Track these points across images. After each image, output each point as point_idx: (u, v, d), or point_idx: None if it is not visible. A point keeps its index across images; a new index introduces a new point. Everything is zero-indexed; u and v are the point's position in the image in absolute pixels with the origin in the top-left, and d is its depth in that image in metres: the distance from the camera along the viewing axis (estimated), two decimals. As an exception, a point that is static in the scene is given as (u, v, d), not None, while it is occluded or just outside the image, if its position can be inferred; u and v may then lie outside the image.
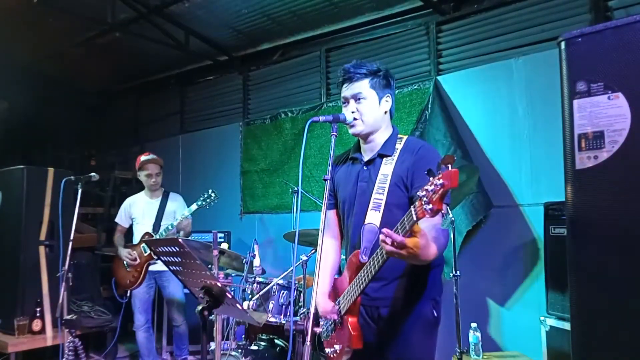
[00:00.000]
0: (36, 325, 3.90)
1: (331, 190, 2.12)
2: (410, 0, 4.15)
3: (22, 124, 5.99)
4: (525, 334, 3.40)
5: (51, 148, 6.65)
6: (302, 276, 3.32)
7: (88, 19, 4.68)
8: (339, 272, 2.15)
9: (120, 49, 5.37)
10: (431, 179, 1.33)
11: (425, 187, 1.34)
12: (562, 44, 1.80)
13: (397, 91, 4.15)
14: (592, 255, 1.71)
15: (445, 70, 4.07)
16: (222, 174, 5.54)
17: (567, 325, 2.60)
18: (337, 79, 2.00)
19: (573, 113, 1.76)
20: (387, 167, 1.90)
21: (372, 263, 1.69)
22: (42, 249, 4.04)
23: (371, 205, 1.89)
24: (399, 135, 2.00)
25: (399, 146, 1.94)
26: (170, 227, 3.97)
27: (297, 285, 3.34)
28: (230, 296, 1.84)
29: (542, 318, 2.90)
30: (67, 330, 3.17)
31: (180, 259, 1.89)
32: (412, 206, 1.43)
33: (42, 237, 4.05)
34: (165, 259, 1.96)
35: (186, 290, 3.87)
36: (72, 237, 3.33)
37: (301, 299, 3.35)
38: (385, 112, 1.98)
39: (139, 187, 4.47)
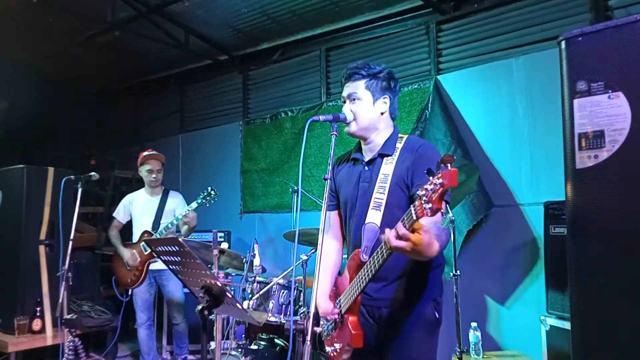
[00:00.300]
0: (36, 324, 3.90)
1: (332, 191, 2.12)
2: (410, 0, 4.15)
3: (22, 124, 5.99)
4: (525, 333, 3.40)
5: (51, 147, 6.64)
6: (302, 276, 3.32)
7: (88, 18, 4.67)
8: (340, 272, 2.15)
9: (120, 48, 5.37)
10: (430, 178, 1.33)
11: (425, 186, 1.34)
12: (563, 44, 1.80)
13: (397, 91, 4.16)
14: (592, 254, 1.71)
15: (446, 70, 4.07)
16: (222, 173, 5.53)
17: (567, 325, 2.60)
18: (341, 77, 2.01)
19: (573, 112, 1.75)
20: (387, 167, 1.90)
21: (372, 261, 1.69)
22: (42, 249, 4.03)
23: (372, 204, 1.89)
24: (400, 135, 2.00)
25: (399, 145, 1.95)
26: (170, 226, 3.97)
27: (297, 284, 3.34)
28: (230, 295, 1.84)
29: (542, 317, 2.90)
30: (67, 329, 3.17)
31: (180, 259, 1.89)
32: (411, 205, 1.43)
33: (42, 236, 4.05)
34: (165, 258, 1.96)
35: (186, 290, 3.87)
36: (72, 237, 3.33)
37: (301, 299, 3.35)
38: (382, 113, 1.97)
39: (139, 186, 4.47)
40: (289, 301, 3.15)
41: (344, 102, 1.97)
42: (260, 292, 3.18)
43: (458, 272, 3.12)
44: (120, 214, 4.25)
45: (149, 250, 3.91)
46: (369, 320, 1.94)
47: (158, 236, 3.95)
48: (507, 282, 3.60)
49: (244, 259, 3.25)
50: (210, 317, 1.87)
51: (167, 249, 1.89)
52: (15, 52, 5.28)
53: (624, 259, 1.64)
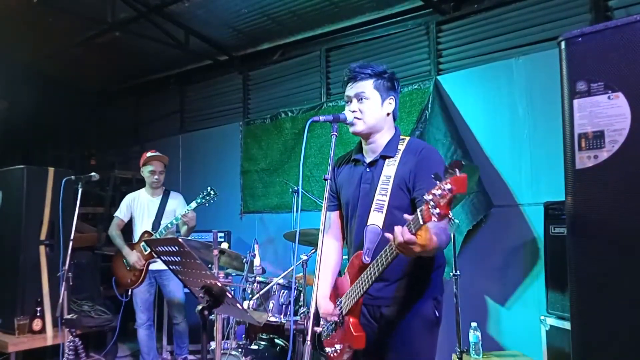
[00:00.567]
0: (36, 324, 3.90)
1: (333, 192, 2.12)
2: (411, 0, 4.15)
3: (22, 124, 5.99)
4: (525, 333, 3.40)
5: (51, 148, 6.64)
6: (302, 276, 3.32)
7: (88, 18, 4.67)
8: (340, 273, 2.15)
9: (120, 49, 5.37)
10: (438, 183, 1.33)
11: (433, 191, 1.34)
12: (563, 44, 1.80)
13: (397, 91, 4.16)
14: (592, 254, 1.71)
15: (446, 70, 4.07)
16: (222, 174, 5.53)
17: (567, 325, 2.60)
18: (343, 78, 2.00)
19: (573, 113, 1.76)
20: (389, 169, 1.90)
21: (377, 264, 1.69)
22: (42, 249, 4.03)
23: (374, 206, 1.89)
24: (402, 137, 2.00)
25: (401, 147, 1.94)
26: (169, 226, 3.97)
27: (297, 284, 3.34)
28: (230, 296, 1.84)
29: (542, 317, 2.90)
30: (68, 329, 3.17)
31: (180, 259, 1.89)
32: (418, 210, 1.43)
33: (43, 236, 4.05)
34: (165, 258, 1.96)
35: (186, 290, 3.87)
36: (72, 237, 3.33)
37: (301, 299, 3.35)
38: (388, 114, 1.98)
39: (139, 186, 4.47)
40: (289, 301, 3.15)
41: (348, 102, 1.96)
42: (261, 292, 3.18)
43: (458, 272, 3.13)
44: (122, 212, 4.25)
45: (149, 251, 3.91)
46: (369, 319, 1.94)
47: (158, 236, 3.96)
48: (507, 282, 3.60)
49: (244, 259, 3.25)
50: (211, 317, 1.87)
51: (167, 249, 1.89)
52: (15, 52, 5.29)
53: (624, 259, 1.64)
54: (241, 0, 4.35)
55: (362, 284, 1.78)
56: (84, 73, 6.29)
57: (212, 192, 3.89)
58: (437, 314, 1.92)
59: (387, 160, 1.93)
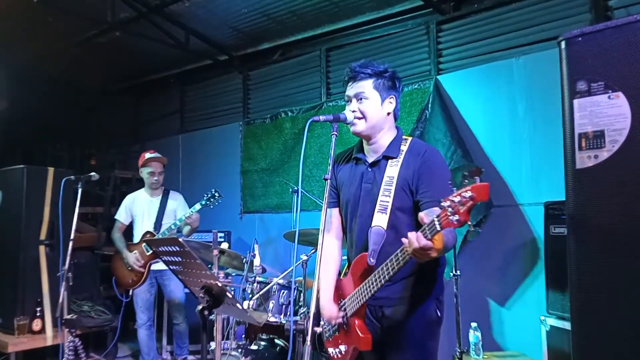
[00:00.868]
0: (36, 324, 3.90)
1: (333, 188, 2.11)
2: (411, 0, 4.15)
3: (22, 124, 5.99)
4: (525, 333, 3.40)
5: (51, 147, 6.63)
6: (302, 276, 3.32)
7: (88, 18, 4.67)
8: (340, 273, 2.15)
9: (120, 48, 5.37)
10: (456, 190, 1.33)
11: (451, 198, 1.34)
12: (563, 44, 1.80)
13: (397, 91, 4.16)
14: (592, 254, 1.71)
15: (446, 70, 4.07)
16: (222, 174, 5.53)
17: (567, 325, 2.60)
18: (343, 77, 1.99)
19: (573, 112, 1.75)
20: (392, 170, 1.90)
21: (386, 267, 1.69)
22: (42, 249, 4.03)
23: (378, 207, 1.88)
24: (404, 137, 1.99)
25: (403, 148, 1.94)
26: (172, 227, 3.97)
27: (297, 285, 3.34)
28: (230, 296, 1.84)
29: (542, 318, 2.89)
30: (67, 329, 3.17)
31: (180, 259, 1.89)
32: (435, 217, 1.43)
33: (42, 236, 4.05)
34: (166, 258, 1.96)
35: (187, 290, 3.87)
36: (72, 237, 3.33)
37: (301, 299, 3.34)
38: (389, 114, 1.98)
39: (139, 186, 4.47)
40: (289, 301, 3.15)
41: (349, 101, 1.96)
42: (261, 292, 3.17)
43: (458, 272, 3.13)
44: (122, 215, 4.25)
45: (151, 251, 3.91)
46: (372, 319, 1.94)
47: (160, 237, 3.95)
48: (507, 282, 3.60)
49: (244, 259, 3.25)
50: (211, 317, 1.87)
51: (167, 249, 1.89)
52: (15, 52, 5.28)
53: (624, 259, 1.64)
54: (241, 0, 4.34)
55: (369, 286, 1.77)
56: (84, 73, 6.29)
57: (216, 194, 3.88)
58: (440, 314, 1.93)
59: (389, 160, 1.93)
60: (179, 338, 4.30)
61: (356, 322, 1.86)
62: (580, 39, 1.75)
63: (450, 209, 1.34)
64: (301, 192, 3.45)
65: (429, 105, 3.92)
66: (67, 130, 6.75)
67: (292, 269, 3.10)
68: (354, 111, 1.92)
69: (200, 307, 1.84)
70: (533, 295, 3.44)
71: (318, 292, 1.69)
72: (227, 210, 5.29)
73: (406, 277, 1.88)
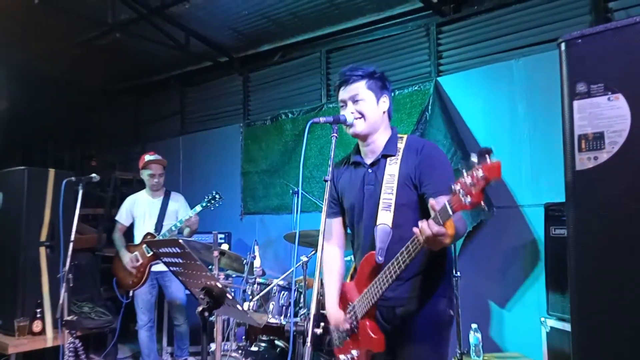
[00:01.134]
0: (36, 326, 3.90)
1: (333, 199, 2.11)
2: (411, 2, 4.16)
3: (23, 125, 5.99)
4: (525, 335, 3.40)
5: (52, 148, 6.65)
6: (302, 279, 3.32)
7: (89, 19, 4.68)
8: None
9: (120, 50, 5.38)
10: (466, 171, 1.31)
11: (461, 180, 1.32)
12: (562, 45, 1.80)
13: (397, 92, 4.17)
14: (592, 256, 1.71)
15: (446, 72, 4.08)
16: (222, 175, 5.54)
17: (567, 326, 2.60)
18: (335, 84, 2.01)
19: (573, 114, 1.76)
20: (392, 167, 1.90)
21: (397, 262, 1.66)
22: (42, 250, 4.03)
23: (381, 205, 1.87)
24: (399, 135, 2.00)
25: (400, 145, 1.95)
26: (173, 229, 3.97)
27: (297, 286, 3.34)
28: (230, 297, 1.84)
29: (542, 319, 2.89)
30: (68, 331, 3.17)
31: (181, 260, 1.89)
32: (446, 201, 1.41)
33: (43, 238, 4.04)
34: (166, 259, 1.96)
35: (187, 291, 3.87)
36: (72, 238, 3.33)
37: (301, 300, 3.34)
38: (384, 112, 1.98)
39: (139, 187, 4.47)
40: (289, 303, 3.15)
41: (343, 105, 1.97)
42: (261, 294, 3.18)
43: (458, 273, 3.13)
44: (122, 216, 4.26)
45: (152, 253, 3.91)
46: (382, 321, 1.91)
47: (161, 238, 3.95)
48: (507, 283, 3.60)
49: (245, 261, 3.25)
50: (211, 318, 1.87)
51: (168, 250, 1.89)
52: (16, 53, 5.29)
53: (624, 260, 1.64)
54: (242, 2, 4.35)
55: (380, 285, 1.75)
56: (85, 74, 6.30)
57: (217, 196, 3.89)
58: (451, 313, 1.91)
59: (388, 159, 1.93)
60: (179, 339, 4.30)
61: (367, 323, 1.84)
62: (580, 40, 1.76)
63: (462, 191, 1.32)
64: (301, 193, 3.45)
65: (429, 107, 3.93)
66: (68, 132, 6.76)
67: (292, 271, 3.10)
68: (352, 112, 1.93)
69: (200, 308, 1.84)
70: (533, 297, 3.44)
71: (318, 294, 1.68)
72: (228, 211, 5.29)
73: (415, 276, 1.87)
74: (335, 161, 1.95)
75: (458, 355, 3.06)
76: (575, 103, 1.75)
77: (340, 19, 4.54)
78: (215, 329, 2.69)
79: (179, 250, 1.83)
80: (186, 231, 4.07)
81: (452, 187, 1.35)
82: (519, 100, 3.64)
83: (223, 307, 1.89)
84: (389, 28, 4.43)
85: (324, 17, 4.51)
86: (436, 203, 1.49)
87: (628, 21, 1.68)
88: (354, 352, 1.91)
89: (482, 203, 1.32)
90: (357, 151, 2.07)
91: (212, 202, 3.89)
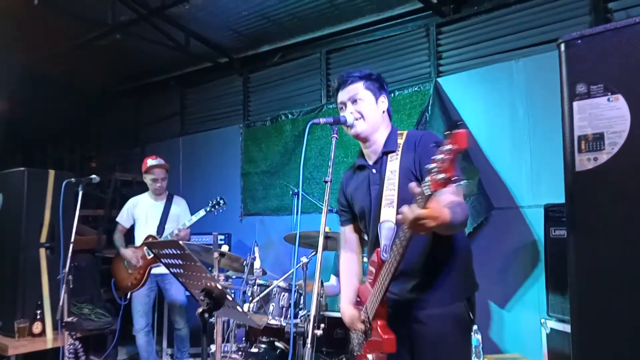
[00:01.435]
0: (36, 327, 3.89)
1: (344, 207, 2.14)
2: (410, 2, 4.16)
3: (23, 125, 5.99)
4: (525, 336, 3.40)
5: (51, 149, 6.64)
6: (302, 279, 3.31)
7: (88, 20, 4.68)
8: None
9: (120, 51, 5.37)
10: (438, 149, 1.28)
11: (434, 158, 1.29)
12: (562, 46, 1.80)
13: (397, 93, 4.17)
14: (592, 257, 1.71)
15: (446, 72, 4.08)
16: (222, 176, 5.53)
17: (567, 328, 2.59)
18: (332, 88, 2.05)
19: (573, 115, 1.76)
20: (393, 163, 1.89)
21: (393, 254, 1.64)
22: (42, 251, 4.03)
23: (384, 202, 1.86)
24: (399, 132, 2.00)
25: (400, 141, 1.94)
26: (175, 232, 3.97)
27: (297, 287, 3.34)
28: (230, 298, 1.84)
29: (542, 320, 2.89)
30: (68, 332, 3.16)
31: (181, 262, 1.89)
32: (422, 182, 1.36)
33: (43, 239, 4.04)
34: (166, 261, 1.96)
35: (188, 293, 3.86)
36: (72, 239, 3.33)
37: (302, 302, 3.34)
38: (383, 112, 1.99)
39: (139, 189, 4.48)
40: (290, 304, 3.15)
41: (342, 107, 1.98)
42: (261, 295, 3.17)
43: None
44: (123, 218, 4.26)
45: (152, 255, 3.91)
46: (399, 326, 1.84)
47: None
48: (507, 284, 3.59)
49: (245, 262, 3.25)
50: (211, 320, 1.87)
51: (168, 251, 1.89)
52: (16, 53, 5.28)
53: (624, 261, 1.64)
54: (241, 3, 4.35)
55: (383, 280, 1.72)
56: (85, 75, 6.29)
57: (221, 201, 3.90)
58: (471, 316, 1.86)
59: (389, 155, 1.93)
60: (180, 342, 4.30)
61: (378, 322, 1.80)
62: (579, 41, 1.76)
63: (435, 169, 1.29)
64: (301, 194, 3.45)
65: (429, 108, 3.93)
66: (68, 132, 6.76)
67: (292, 272, 3.09)
68: (351, 113, 1.93)
69: (200, 309, 1.83)
70: (533, 298, 3.44)
71: (318, 295, 1.67)
72: (228, 212, 5.25)
73: (431, 275, 1.82)
74: (334, 162, 1.94)
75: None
76: (575, 104, 1.75)
77: (340, 19, 4.54)
78: (215, 331, 2.68)
79: (179, 252, 1.83)
80: None
81: (427, 166, 1.32)
82: (518, 101, 3.64)
83: (223, 309, 1.89)
84: (389, 29, 4.43)
85: (323, 17, 4.51)
86: (414, 186, 1.42)
87: (628, 22, 1.68)
88: (370, 357, 1.86)
89: (457, 176, 1.29)
90: (361, 155, 2.07)
91: (217, 207, 3.89)
